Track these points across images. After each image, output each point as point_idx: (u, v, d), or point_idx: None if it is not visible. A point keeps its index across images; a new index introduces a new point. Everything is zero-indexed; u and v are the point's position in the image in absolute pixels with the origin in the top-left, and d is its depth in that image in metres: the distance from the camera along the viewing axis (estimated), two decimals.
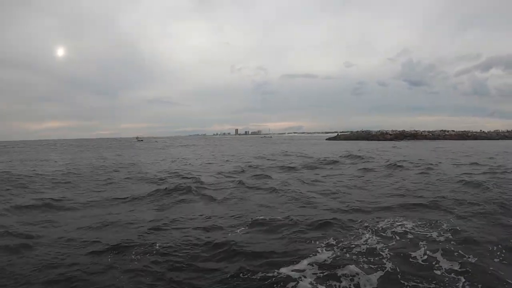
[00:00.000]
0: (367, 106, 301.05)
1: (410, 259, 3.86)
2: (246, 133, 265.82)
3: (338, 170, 13.09)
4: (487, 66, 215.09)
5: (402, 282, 3.38)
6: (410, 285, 3.33)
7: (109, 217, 5.98)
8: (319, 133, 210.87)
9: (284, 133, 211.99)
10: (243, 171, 12.69)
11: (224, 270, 3.67)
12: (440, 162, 14.73)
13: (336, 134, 73.02)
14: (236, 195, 7.92)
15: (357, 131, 72.97)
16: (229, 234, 4.90)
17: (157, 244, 4.39)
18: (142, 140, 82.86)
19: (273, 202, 7.16)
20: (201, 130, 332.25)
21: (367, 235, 4.68)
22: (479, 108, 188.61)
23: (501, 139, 52.79)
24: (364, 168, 12.91)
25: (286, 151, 25.61)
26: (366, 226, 5.10)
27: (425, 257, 3.90)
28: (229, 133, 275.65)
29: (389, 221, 5.37)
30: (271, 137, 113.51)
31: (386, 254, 4.01)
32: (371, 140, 55.84)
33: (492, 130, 63.86)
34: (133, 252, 4.17)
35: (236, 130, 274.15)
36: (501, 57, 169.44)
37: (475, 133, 58.99)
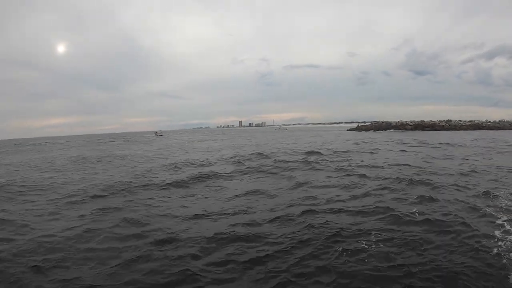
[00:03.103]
0: (371, 96, 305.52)
1: None
2: (250, 125, 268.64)
3: None
4: (491, 55, 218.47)
5: None
6: None
7: None
8: (325, 123, 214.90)
9: (289, 125, 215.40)
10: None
11: None
12: None
13: (356, 125, 77.34)
14: None
15: (377, 122, 77.24)
16: None
17: None
18: (162, 135, 77.31)
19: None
20: (205, 123, 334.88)
21: None
22: (484, 97, 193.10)
23: None
24: None
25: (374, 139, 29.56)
26: None
27: None
28: (232, 125, 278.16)
29: None
30: (286, 129, 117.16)
31: None
32: (392, 130, 60.40)
33: (497, 120, 69.31)
34: None
35: (240, 122, 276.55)
36: (505, 46, 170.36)
37: (489, 123, 64.12)
